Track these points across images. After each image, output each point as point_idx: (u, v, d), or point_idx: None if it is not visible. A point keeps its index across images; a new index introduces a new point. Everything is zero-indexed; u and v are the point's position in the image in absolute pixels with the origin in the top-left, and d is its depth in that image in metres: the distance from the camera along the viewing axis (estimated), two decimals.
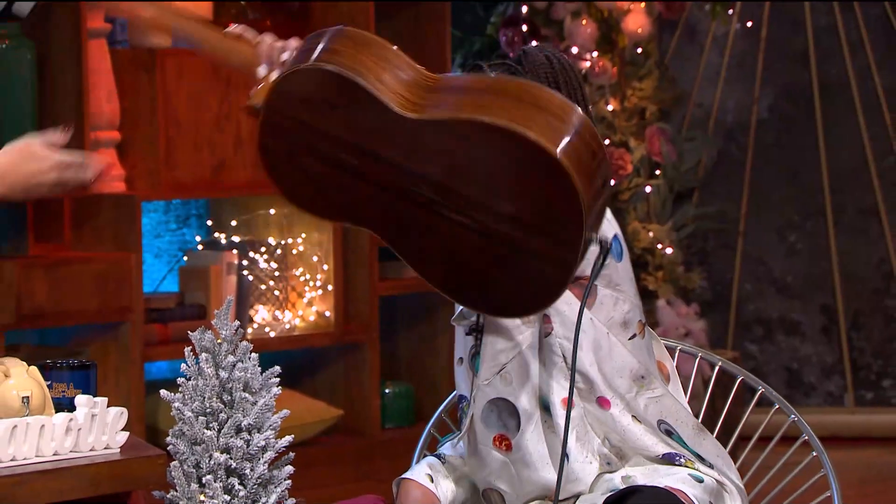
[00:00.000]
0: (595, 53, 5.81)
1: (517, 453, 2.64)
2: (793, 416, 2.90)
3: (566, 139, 2.41)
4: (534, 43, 5.71)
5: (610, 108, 5.81)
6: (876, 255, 5.98)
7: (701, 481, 2.64)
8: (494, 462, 2.63)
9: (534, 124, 2.41)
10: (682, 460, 2.68)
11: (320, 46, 2.59)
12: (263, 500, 2.45)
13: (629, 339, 2.69)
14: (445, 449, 2.77)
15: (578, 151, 2.41)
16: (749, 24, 6.03)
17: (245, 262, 5.33)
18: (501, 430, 2.64)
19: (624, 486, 2.61)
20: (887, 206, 5.98)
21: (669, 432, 2.69)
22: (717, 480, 2.68)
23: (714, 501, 2.65)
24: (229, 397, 2.47)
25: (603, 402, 2.66)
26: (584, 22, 5.78)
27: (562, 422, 2.61)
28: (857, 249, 5.99)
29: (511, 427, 2.64)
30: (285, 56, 2.65)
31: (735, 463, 2.78)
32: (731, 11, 5.98)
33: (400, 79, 2.52)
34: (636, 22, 5.77)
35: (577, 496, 2.63)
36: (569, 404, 2.56)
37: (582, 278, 2.62)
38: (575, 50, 5.80)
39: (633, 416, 2.66)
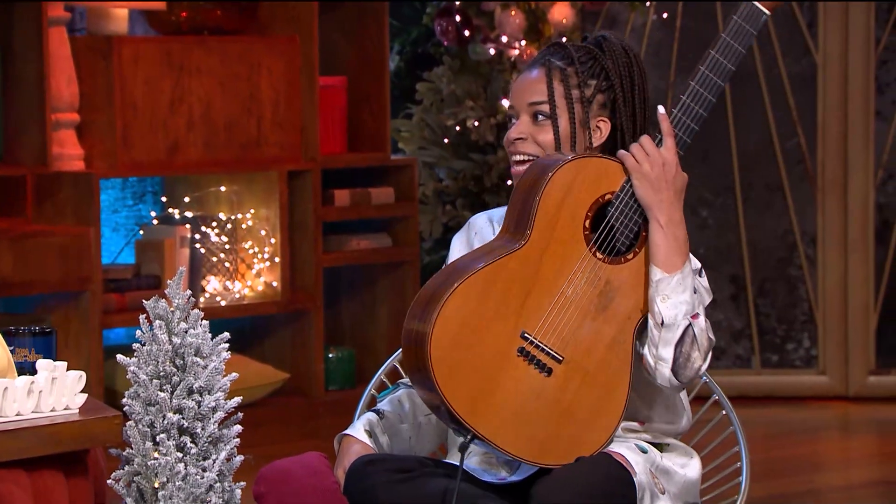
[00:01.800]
0: (523, 42, 5.81)
1: None
2: (704, 377, 2.91)
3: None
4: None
5: None
6: (780, 228, 6.02)
7: (645, 452, 2.64)
8: None
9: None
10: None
11: None
12: (214, 456, 2.44)
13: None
14: (384, 405, 2.76)
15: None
16: (665, 15, 6.04)
17: (197, 236, 5.30)
18: None
19: None
20: (791, 182, 6.02)
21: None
22: (665, 465, 2.66)
23: (656, 473, 2.62)
24: (181, 361, 2.45)
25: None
26: (512, 13, 5.77)
27: None
28: (763, 223, 6.03)
29: None
30: None
31: None
32: (648, 4, 5.99)
33: None
34: (561, 13, 5.77)
35: None
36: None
37: None
38: (504, 39, 5.79)
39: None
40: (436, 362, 2.51)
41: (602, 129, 2.70)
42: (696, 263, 2.68)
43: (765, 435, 5.33)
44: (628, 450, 2.61)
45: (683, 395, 2.70)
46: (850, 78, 5.94)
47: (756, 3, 2.66)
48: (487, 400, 2.53)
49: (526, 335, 2.55)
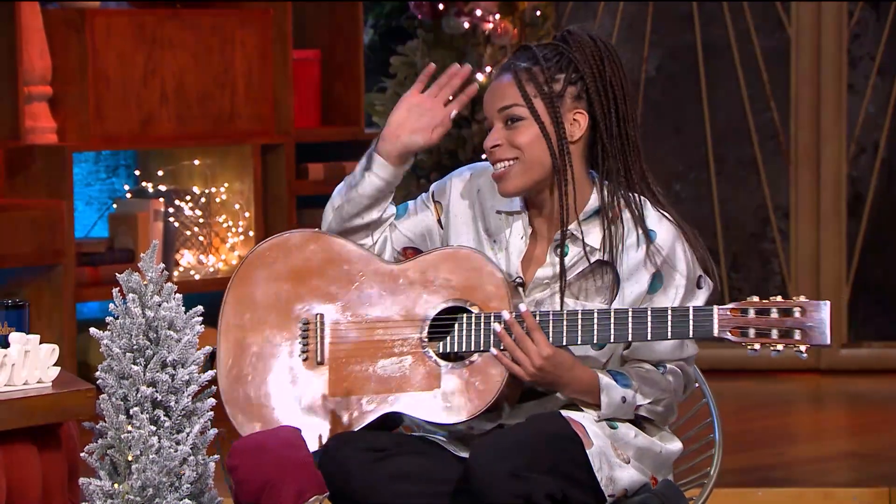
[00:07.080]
0: (497, 16, 5.80)
1: None
2: None
3: None
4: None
5: None
6: (753, 203, 6.04)
7: (615, 428, 2.63)
8: None
9: None
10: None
11: None
12: (187, 430, 2.44)
13: None
14: None
15: None
16: None
17: (171, 210, 5.28)
18: None
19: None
20: (764, 157, 6.03)
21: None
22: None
23: (619, 446, 2.61)
24: (155, 335, 2.45)
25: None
26: None
27: None
28: (736, 197, 6.04)
29: None
30: None
31: None
32: None
33: None
34: None
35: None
36: None
37: None
38: (479, 12, 5.78)
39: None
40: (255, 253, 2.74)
41: (580, 122, 2.71)
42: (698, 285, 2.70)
43: (737, 408, 5.35)
44: (583, 419, 2.60)
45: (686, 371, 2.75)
46: (823, 52, 5.95)
47: (715, 316, 2.50)
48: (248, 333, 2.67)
49: (323, 319, 2.61)
